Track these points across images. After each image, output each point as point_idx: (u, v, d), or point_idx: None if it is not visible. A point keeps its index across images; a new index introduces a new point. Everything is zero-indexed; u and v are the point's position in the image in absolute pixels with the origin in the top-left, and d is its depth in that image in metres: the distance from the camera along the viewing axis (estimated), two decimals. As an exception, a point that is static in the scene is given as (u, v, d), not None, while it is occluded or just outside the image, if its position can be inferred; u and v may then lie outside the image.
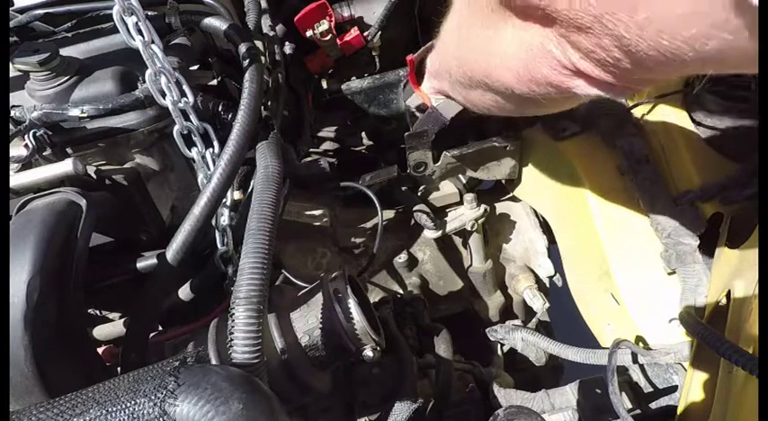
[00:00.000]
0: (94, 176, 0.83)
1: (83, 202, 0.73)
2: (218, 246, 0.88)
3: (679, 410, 0.79)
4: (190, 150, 0.84)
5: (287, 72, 1.21)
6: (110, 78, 0.85)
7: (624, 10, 0.39)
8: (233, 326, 0.58)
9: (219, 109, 0.89)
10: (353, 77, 1.41)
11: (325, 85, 1.50)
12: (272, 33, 1.25)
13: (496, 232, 1.30)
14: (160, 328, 0.88)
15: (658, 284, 0.90)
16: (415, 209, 1.18)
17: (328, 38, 1.29)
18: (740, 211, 0.87)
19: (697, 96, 0.91)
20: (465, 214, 1.17)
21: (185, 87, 0.80)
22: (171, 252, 0.75)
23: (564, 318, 1.23)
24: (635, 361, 0.85)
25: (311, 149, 1.52)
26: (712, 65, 0.41)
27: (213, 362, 0.67)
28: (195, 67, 1.03)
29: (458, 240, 1.28)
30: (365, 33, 1.34)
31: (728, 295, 0.78)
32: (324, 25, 1.27)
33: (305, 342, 0.72)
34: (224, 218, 0.88)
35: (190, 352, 0.73)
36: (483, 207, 1.17)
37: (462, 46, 0.74)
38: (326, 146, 1.60)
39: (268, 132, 0.90)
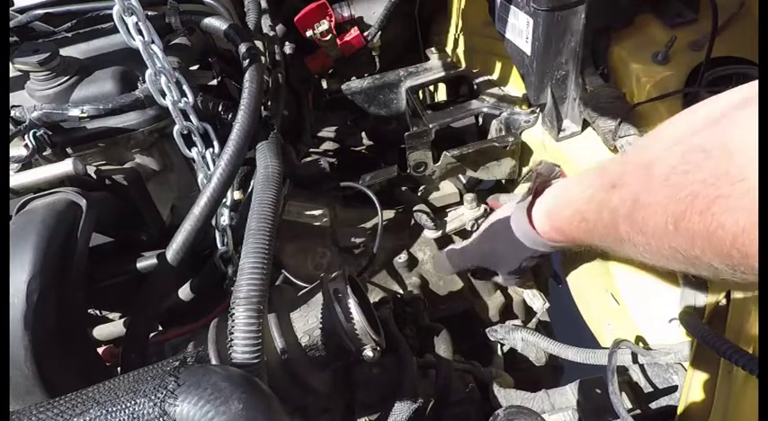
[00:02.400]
0: (94, 176, 0.83)
1: (83, 202, 0.73)
2: (218, 246, 0.88)
3: (679, 410, 0.79)
4: (190, 150, 0.84)
5: (287, 72, 1.21)
6: (110, 78, 0.85)
7: None
8: (233, 327, 0.58)
9: (219, 109, 0.89)
10: (353, 77, 1.41)
11: (325, 85, 1.50)
12: (272, 33, 1.25)
13: (496, 232, 1.29)
14: (160, 328, 0.88)
15: (658, 284, 0.90)
16: (415, 209, 1.18)
17: (328, 38, 1.29)
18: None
19: (697, 96, 0.91)
20: (465, 214, 1.17)
21: (185, 87, 0.80)
22: (171, 252, 0.75)
23: (564, 318, 1.23)
24: (635, 361, 0.85)
25: (311, 149, 1.52)
26: None
27: (213, 362, 0.67)
28: (195, 67, 1.03)
29: (458, 240, 1.28)
30: (365, 33, 1.34)
31: (728, 295, 0.78)
32: (324, 25, 1.27)
33: (305, 342, 0.72)
34: (224, 218, 0.88)
35: (190, 352, 0.73)
36: (483, 207, 1.17)
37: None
38: (326, 146, 1.60)
39: (268, 132, 0.90)
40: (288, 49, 1.31)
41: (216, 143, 0.86)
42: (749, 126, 0.49)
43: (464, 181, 1.29)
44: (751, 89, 0.54)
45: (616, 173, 0.66)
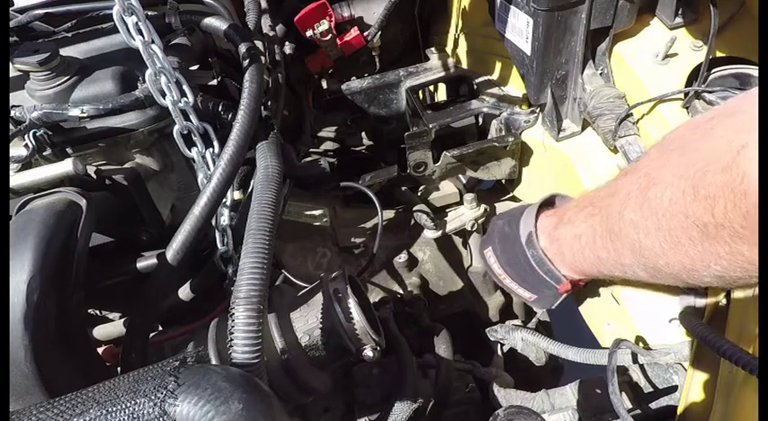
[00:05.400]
0: (94, 176, 0.83)
1: (83, 202, 0.73)
2: (218, 246, 0.88)
3: (679, 410, 0.79)
4: (190, 150, 0.84)
5: (287, 72, 1.21)
6: (110, 78, 0.85)
7: None
8: (233, 327, 0.58)
9: (219, 109, 0.89)
10: (353, 77, 1.41)
11: (325, 85, 1.50)
12: (272, 33, 1.25)
13: (496, 232, 1.29)
14: (160, 328, 0.88)
15: (658, 284, 0.90)
16: (415, 209, 1.18)
17: (328, 38, 1.29)
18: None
19: (697, 96, 0.91)
20: (465, 214, 1.17)
21: (185, 87, 0.80)
22: (171, 252, 0.75)
23: (564, 318, 1.23)
24: (635, 361, 0.85)
25: (311, 149, 1.52)
26: None
27: (213, 362, 0.67)
28: (195, 67, 1.03)
29: (458, 240, 1.29)
30: (365, 33, 1.34)
31: (728, 295, 0.78)
32: (324, 25, 1.27)
33: (305, 342, 0.72)
34: (224, 218, 0.88)
35: (190, 352, 0.73)
36: (483, 207, 1.17)
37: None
38: (326, 146, 1.60)
39: (268, 132, 0.90)
40: (288, 49, 1.31)
41: (216, 143, 0.86)
42: (753, 100, 0.51)
43: (464, 181, 1.29)
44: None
45: (633, 164, 0.69)
